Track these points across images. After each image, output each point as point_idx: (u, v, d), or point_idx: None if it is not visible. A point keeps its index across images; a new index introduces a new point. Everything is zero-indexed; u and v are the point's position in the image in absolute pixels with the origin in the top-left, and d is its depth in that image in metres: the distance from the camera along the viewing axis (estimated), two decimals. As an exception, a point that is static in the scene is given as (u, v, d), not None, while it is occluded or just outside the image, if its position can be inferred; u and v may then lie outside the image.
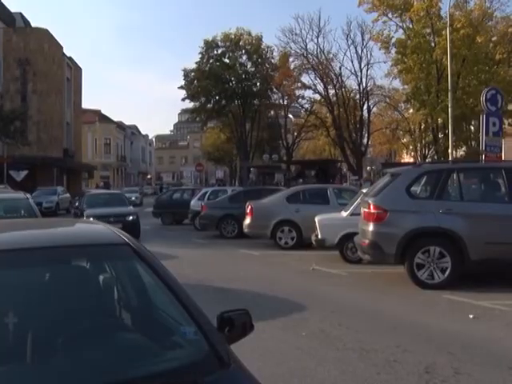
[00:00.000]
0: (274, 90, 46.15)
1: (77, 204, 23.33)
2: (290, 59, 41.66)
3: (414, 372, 5.03)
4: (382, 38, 33.99)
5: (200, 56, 46.70)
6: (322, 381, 4.92)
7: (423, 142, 39.17)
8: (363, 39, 39.11)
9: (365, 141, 42.67)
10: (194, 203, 21.63)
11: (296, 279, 10.15)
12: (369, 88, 40.16)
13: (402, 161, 51.06)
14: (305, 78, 41.92)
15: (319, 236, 12.08)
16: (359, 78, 39.76)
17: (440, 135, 33.60)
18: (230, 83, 46.89)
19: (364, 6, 33.84)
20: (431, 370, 5.05)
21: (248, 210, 15.29)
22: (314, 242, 12.44)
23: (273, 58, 46.79)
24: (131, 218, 17.84)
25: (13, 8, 48.21)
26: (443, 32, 28.46)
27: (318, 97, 42.53)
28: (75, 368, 2.21)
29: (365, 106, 41.09)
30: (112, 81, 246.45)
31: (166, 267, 2.78)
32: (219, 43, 47.09)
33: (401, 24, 33.62)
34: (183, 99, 48.00)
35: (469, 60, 30.04)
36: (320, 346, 5.91)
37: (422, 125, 37.50)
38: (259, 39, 47.22)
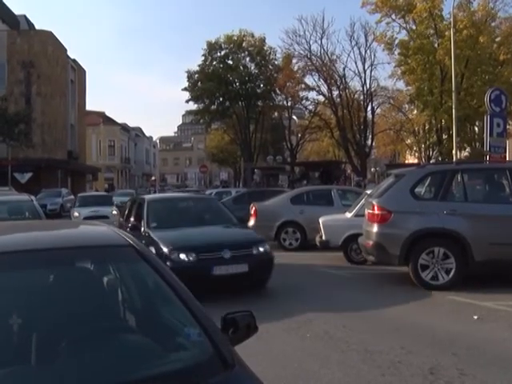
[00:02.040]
0: (278, 91, 46.04)
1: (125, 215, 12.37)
2: (294, 61, 41.52)
3: (419, 373, 5.02)
4: (385, 40, 33.90)
5: (203, 58, 46.77)
6: (326, 383, 4.91)
7: (427, 143, 38.98)
8: (367, 40, 38.94)
9: (369, 142, 42.53)
10: (198, 205, 21.55)
11: (300, 281, 10.13)
12: (373, 89, 39.99)
13: (406, 162, 50.82)
14: (308, 80, 41.79)
15: (323, 237, 12.08)
16: (363, 80, 39.60)
17: (444, 136, 33.49)
18: (234, 85, 46.90)
19: (367, 7, 33.80)
20: (436, 371, 5.04)
21: (252, 212, 15.27)
22: (318, 244, 12.43)
23: (276, 59, 46.80)
24: (262, 249, 9.01)
25: (17, 11, 48.54)
26: (446, 33, 28.43)
27: (321, 98, 42.39)
28: (79, 370, 2.22)
29: (369, 108, 40.94)
30: (115, 82, 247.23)
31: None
32: (222, 45, 47.09)
33: (404, 25, 33.60)
34: (187, 101, 47.99)
35: (472, 61, 29.98)
36: (324, 348, 5.90)
37: (426, 126, 37.36)
38: (262, 41, 47.23)
